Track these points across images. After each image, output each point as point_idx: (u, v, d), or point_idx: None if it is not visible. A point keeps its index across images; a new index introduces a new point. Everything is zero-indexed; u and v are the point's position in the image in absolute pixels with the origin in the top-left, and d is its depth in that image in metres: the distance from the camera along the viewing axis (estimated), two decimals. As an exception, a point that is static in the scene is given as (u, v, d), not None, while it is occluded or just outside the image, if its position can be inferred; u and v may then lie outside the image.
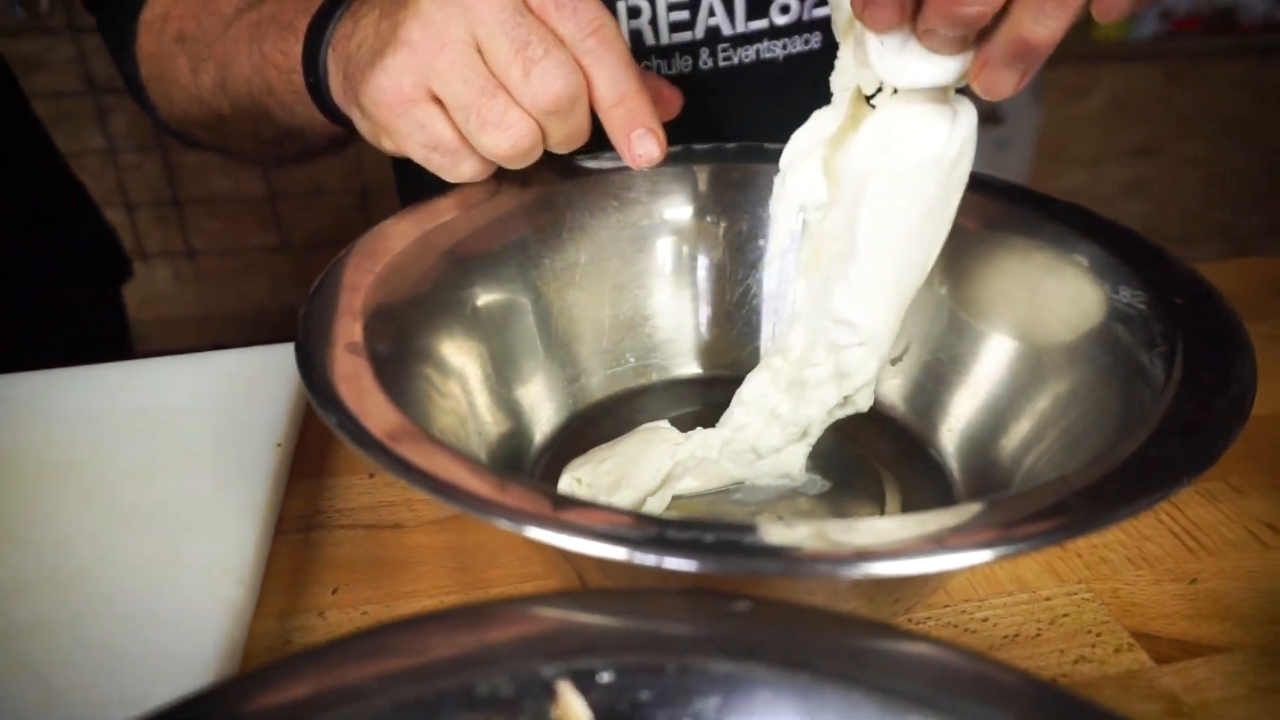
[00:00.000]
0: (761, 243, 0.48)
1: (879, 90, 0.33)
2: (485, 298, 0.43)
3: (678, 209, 0.48)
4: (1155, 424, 0.28)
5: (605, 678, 0.22)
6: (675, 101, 0.46)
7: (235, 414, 0.43)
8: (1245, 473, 0.43)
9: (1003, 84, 0.30)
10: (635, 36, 0.55)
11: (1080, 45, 1.98)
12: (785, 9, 0.56)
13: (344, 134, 0.50)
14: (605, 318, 0.47)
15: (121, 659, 0.32)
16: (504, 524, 0.24)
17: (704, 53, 0.56)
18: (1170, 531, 0.40)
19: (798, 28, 0.57)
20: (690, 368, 0.48)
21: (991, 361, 0.41)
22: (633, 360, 0.47)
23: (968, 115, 0.32)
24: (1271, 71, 2.07)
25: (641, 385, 0.47)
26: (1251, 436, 0.45)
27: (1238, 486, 0.43)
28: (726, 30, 0.56)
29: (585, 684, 0.22)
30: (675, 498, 0.40)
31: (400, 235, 0.40)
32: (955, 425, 0.42)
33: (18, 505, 0.39)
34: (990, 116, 1.96)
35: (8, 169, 0.70)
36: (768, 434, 0.40)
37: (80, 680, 0.31)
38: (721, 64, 0.57)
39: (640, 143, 0.40)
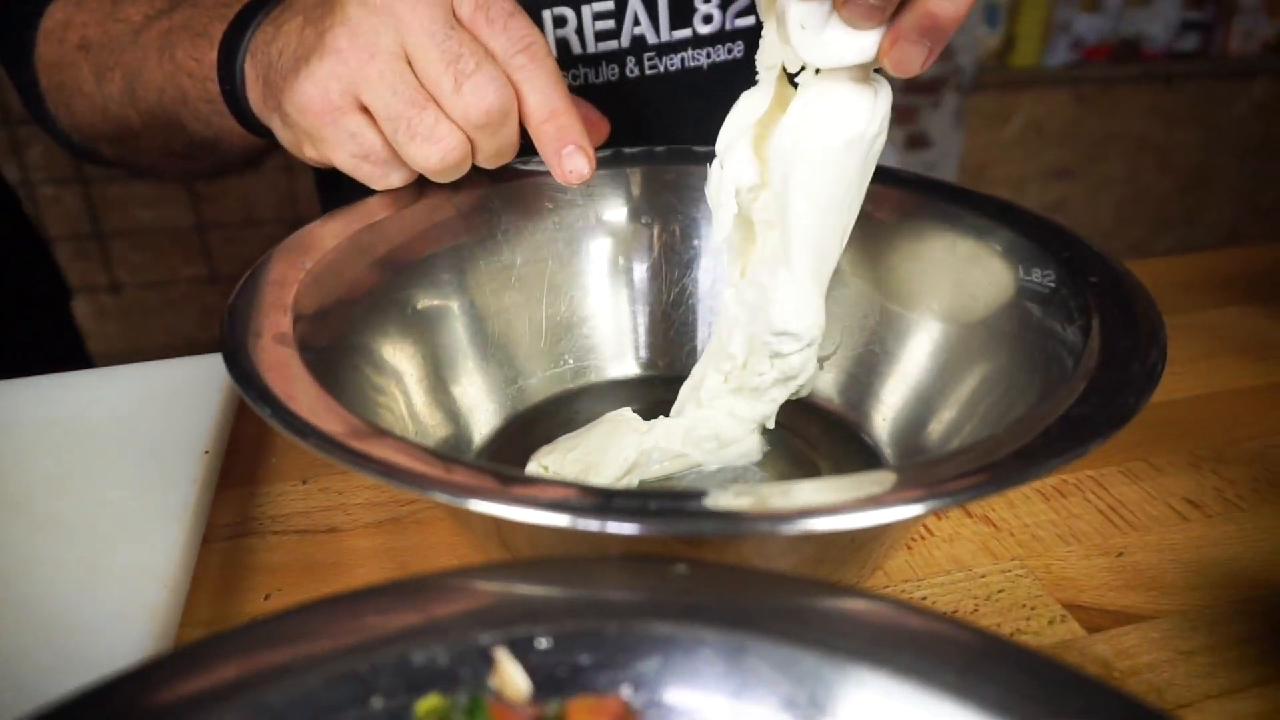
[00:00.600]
0: (696, 243, 0.49)
1: (802, 69, 0.34)
2: (421, 299, 0.42)
3: (612, 211, 0.48)
4: (1076, 387, 0.29)
5: (544, 644, 0.21)
6: (603, 128, 0.46)
7: (159, 423, 0.42)
8: (1165, 453, 0.45)
9: (911, 60, 0.31)
10: (562, 45, 0.55)
11: (998, 73, 2.06)
12: (708, 19, 0.57)
13: (262, 145, 0.49)
14: (542, 319, 0.47)
15: (37, 668, 0.30)
16: (444, 498, 0.24)
17: (630, 61, 0.57)
18: (1097, 509, 0.41)
19: (720, 37, 0.58)
20: (629, 368, 0.48)
21: (920, 350, 0.42)
22: (571, 361, 0.47)
23: (885, 93, 0.34)
24: (1176, 97, 2.18)
25: (580, 386, 0.47)
26: (1169, 419, 0.48)
27: (1158, 466, 0.44)
28: (651, 39, 0.57)
29: (524, 651, 0.21)
30: (640, 482, 0.41)
31: (330, 235, 0.39)
32: (888, 414, 0.43)
33: (-75, 522, 0.37)
34: (919, 141, 2.03)
35: None
36: (728, 427, 0.40)
37: (-7, 693, 0.29)
38: (648, 72, 0.57)
39: (570, 159, 0.39)
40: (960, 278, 0.41)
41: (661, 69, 0.58)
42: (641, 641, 0.22)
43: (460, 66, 0.36)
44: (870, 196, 0.39)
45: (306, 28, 0.39)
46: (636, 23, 0.56)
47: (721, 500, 0.24)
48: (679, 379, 0.48)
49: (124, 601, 0.33)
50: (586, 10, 0.55)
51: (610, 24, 0.56)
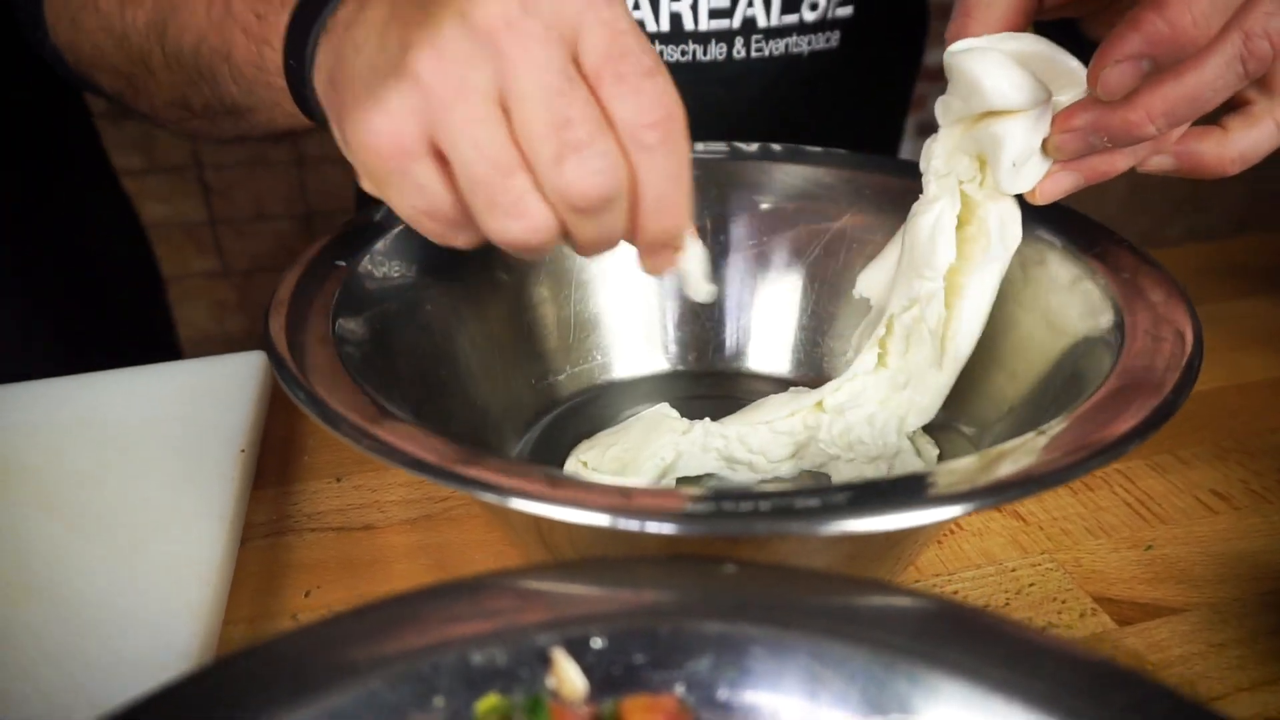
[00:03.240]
0: (723, 238, 0.49)
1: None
2: (452, 297, 0.42)
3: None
4: (1113, 385, 0.29)
5: (599, 644, 0.22)
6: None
7: (195, 422, 0.42)
8: (1191, 445, 0.45)
9: (1058, 192, 0.36)
10: (675, 19, 0.56)
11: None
12: (814, 6, 0.58)
13: (305, 128, 0.41)
14: (570, 315, 0.47)
15: (87, 666, 0.31)
16: (490, 497, 0.24)
17: (739, 42, 0.57)
18: (1125, 502, 0.42)
19: (822, 25, 0.59)
20: (657, 364, 0.49)
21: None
22: (599, 357, 0.48)
23: None
24: (1187, 83, 2.16)
25: (608, 381, 0.48)
26: (1194, 412, 0.48)
27: (1184, 459, 0.44)
28: (762, 22, 0.57)
29: (579, 651, 0.22)
30: (677, 482, 0.41)
31: (365, 232, 0.40)
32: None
33: (-32, 520, 0.37)
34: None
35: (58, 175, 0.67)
36: (771, 449, 0.41)
37: (44, 689, 0.30)
38: (754, 55, 0.58)
39: (661, 260, 0.33)
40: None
41: (766, 53, 0.58)
42: (694, 641, 0.22)
43: (568, 135, 0.28)
44: (897, 190, 0.39)
45: (391, 27, 0.30)
46: (750, 4, 0.56)
47: (765, 501, 0.24)
48: (707, 374, 0.48)
49: (166, 599, 0.33)
50: None
51: (725, 2, 0.56)
